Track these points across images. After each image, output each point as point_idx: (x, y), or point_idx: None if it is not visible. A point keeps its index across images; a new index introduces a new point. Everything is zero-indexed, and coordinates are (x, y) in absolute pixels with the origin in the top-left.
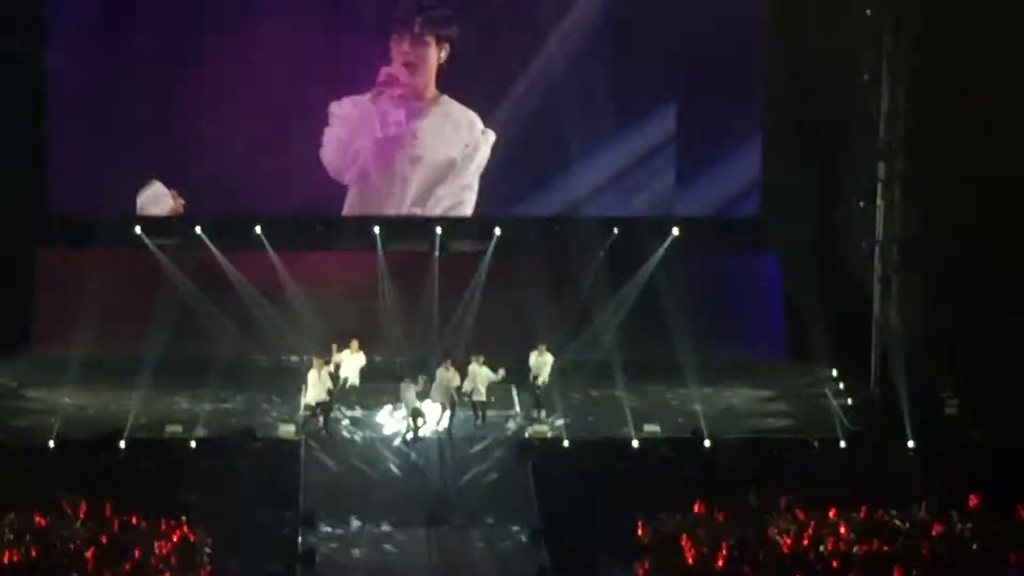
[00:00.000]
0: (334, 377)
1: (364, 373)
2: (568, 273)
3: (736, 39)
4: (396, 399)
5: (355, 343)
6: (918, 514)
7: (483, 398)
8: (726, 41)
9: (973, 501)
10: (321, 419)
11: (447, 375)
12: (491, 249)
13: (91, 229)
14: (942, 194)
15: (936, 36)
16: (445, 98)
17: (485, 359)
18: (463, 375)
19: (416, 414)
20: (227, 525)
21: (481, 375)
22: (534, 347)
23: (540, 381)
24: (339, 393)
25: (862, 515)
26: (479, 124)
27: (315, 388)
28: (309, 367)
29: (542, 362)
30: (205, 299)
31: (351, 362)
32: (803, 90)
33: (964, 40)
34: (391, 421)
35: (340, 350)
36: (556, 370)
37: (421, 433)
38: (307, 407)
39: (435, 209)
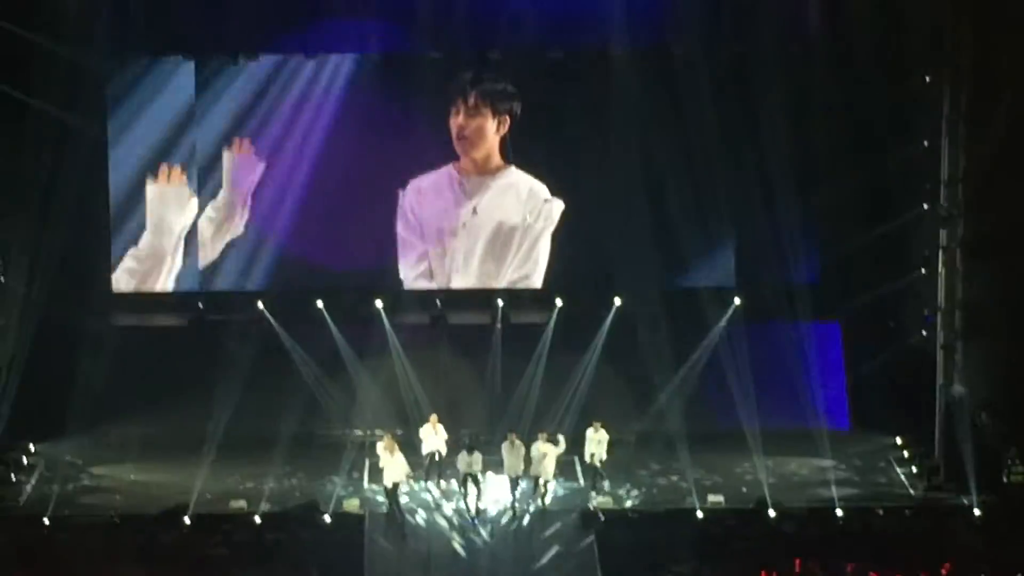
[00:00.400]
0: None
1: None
2: (631, 345)
3: None
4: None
5: (433, 417)
6: None
7: (550, 477)
8: None
9: None
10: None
11: (512, 448)
12: (552, 321)
13: (154, 304)
14: (1003, 260)
15: (994, 100)
16: (511, 169)
17: (549, 434)
18: (527, 447)
19: (468, 482)
20: None
21: (550, 452)
22: (590, 424)
23: (597, 459)
24: (429, 468)
25: None
26: (544, 193)
27: (392, 467)
28: (376, 441)
29: (598, 439)
30: (267, 374)
31: (434, 436)
32: (863, 156)
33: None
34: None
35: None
36: (614, 444)
37: (483, 506)
38: (386, 489)
39: (501, 281)
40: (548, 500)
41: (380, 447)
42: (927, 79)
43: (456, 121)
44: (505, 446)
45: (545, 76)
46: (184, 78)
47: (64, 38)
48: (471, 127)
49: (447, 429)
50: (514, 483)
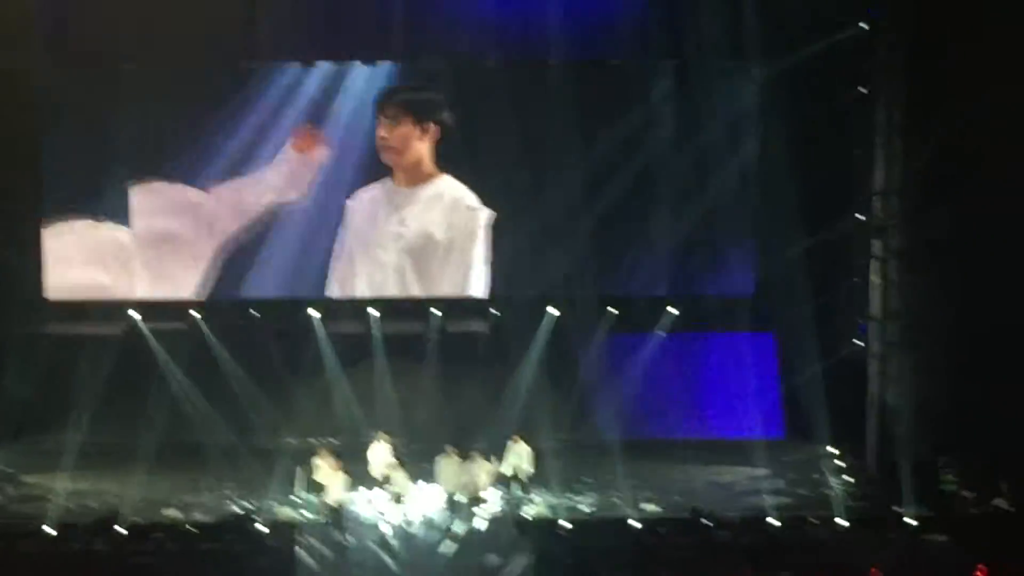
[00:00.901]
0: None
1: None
2: (565, 354)
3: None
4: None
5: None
6: None
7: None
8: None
9: (981, 573)
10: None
11: (450, 462)
12: (487, 331)
13: (85, 313)
14: (936, 270)
15: (929, 111)
16: (444, 178)
17: (482, 451)
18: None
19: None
20: None
21: (485, 468)
22: (511, 436)
23: (523, 474)
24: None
25: None
26: (471, 202)
27: (335, 484)
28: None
29: (517, 452)
30: (198, 384)
31: (381, 454)
32: (797, 167)
33: (958, 113)
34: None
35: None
36: (543, 455)
37: (415, 519)
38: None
39: (438, 290)
40: (480, 514)
41: (317, 462)
42: (861, 89)
43: (379, 132)
44: (442, 460)
45: (480, 84)
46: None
47: None
48: (393, 137)
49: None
50: (450, 498)
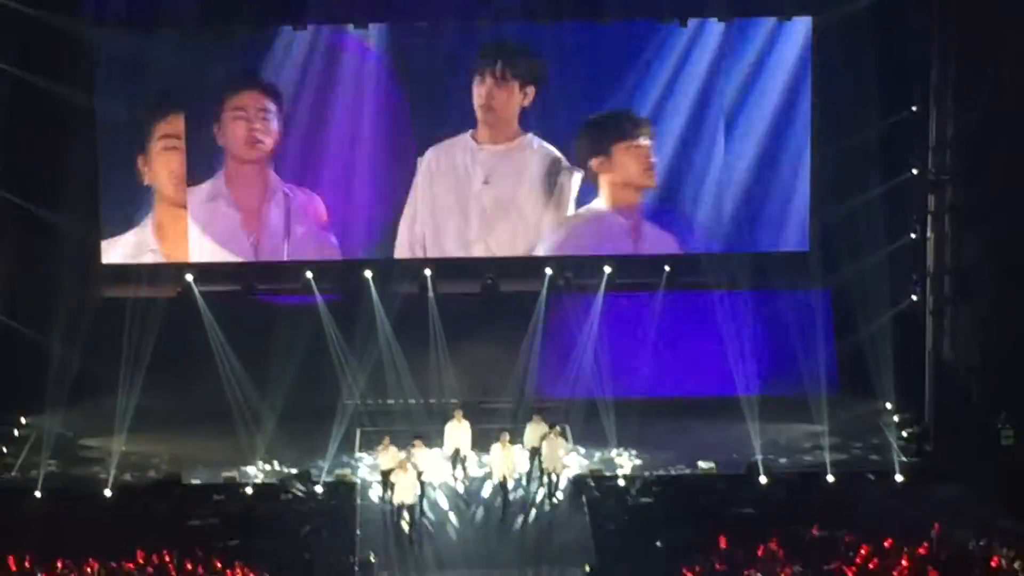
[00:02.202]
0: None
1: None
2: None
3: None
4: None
5: (458, 412)
6: (975, 545)
7: (559, 470)
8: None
9: None
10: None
11: (504, 450)
12: (544, 290)
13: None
14: (991, 225)
15: (983, 67)
16: (529, 137)
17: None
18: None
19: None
20: (285, 570)
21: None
22: (550, 427)
23: (554, 468)
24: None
25: (922, 549)
26: (564, 162)
27: (402, 485)
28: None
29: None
30: (258, 346)
31: (459, 432)
32: (850, 124)
33: (1012, 70)
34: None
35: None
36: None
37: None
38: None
39: (512, 250)
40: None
41: (384, 456)
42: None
43: (480, 91)
44: (496, 448)
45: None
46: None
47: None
48: (499, 97)
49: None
50: (503, 487)
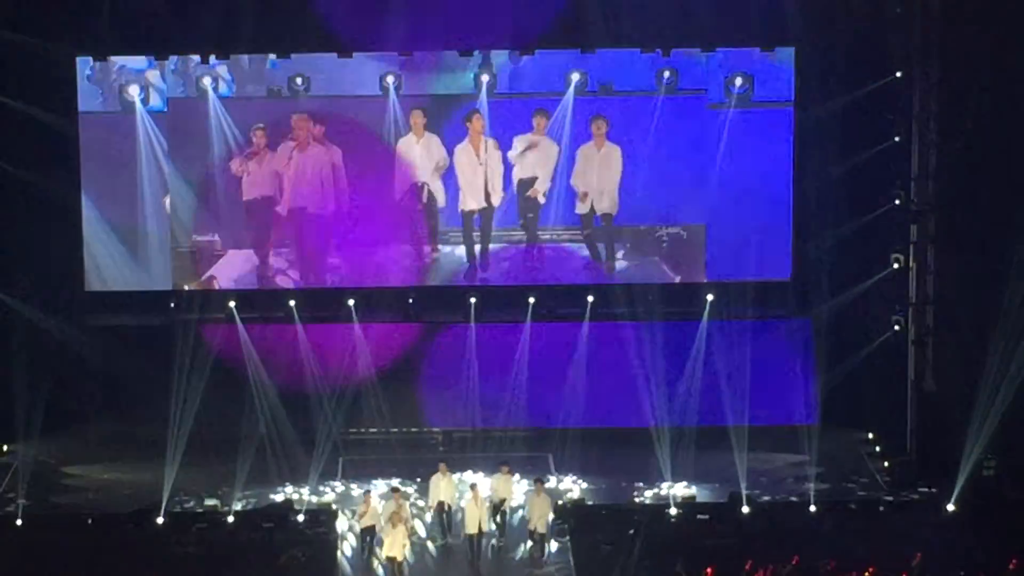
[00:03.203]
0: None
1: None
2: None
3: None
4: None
5: (442, 465)
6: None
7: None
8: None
9: (1013, 564)
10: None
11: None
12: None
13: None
14: (973, 255)
15: (965, 97)
16: None
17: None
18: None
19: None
20: None
21: (540, 503)
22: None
23: (541, 523)
24: (436, 522)
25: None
26: None
27: (393, 540)
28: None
29: (539, 502)
30: (240, 373)
31: (443, 486)
32: (834, 155)
33: (995, 100)
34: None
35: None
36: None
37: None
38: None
39: None
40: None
41: (376, 507)
42: (898, 74)
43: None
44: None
45: None
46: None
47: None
48: None
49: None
50: (475, 540)
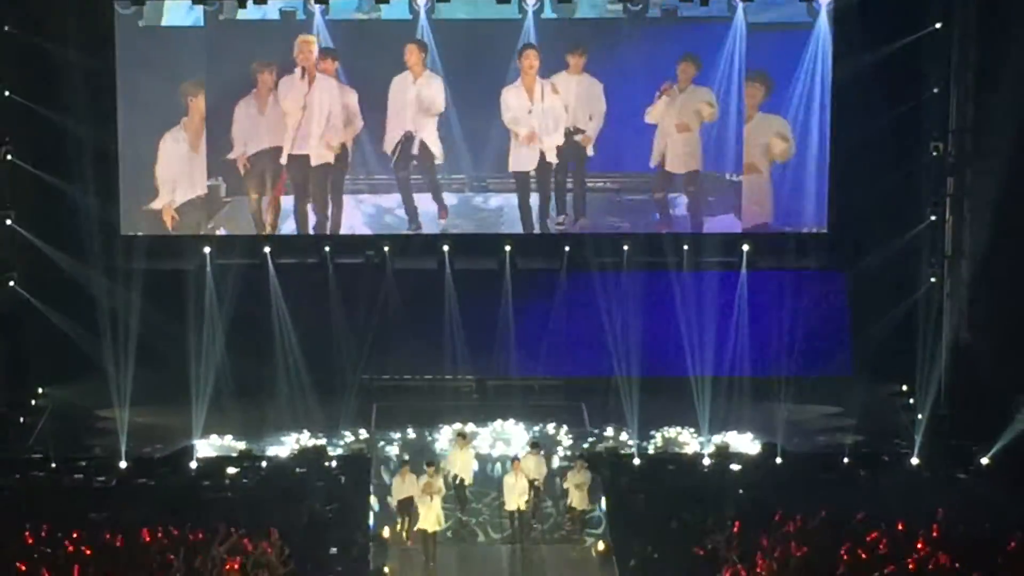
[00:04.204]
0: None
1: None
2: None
3: None
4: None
5: (460, 439)
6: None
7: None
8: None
9: None
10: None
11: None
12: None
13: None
14: (1012, 207)
15: (1004, 49)
16: None
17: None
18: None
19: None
20: (298, 544)
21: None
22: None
23: (578, 504)
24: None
25: (934, 531)
26: None
27: (428, 513)
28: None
29: (576, 483)
30: (265, 315)
31: (460, 458)
32: (872, 104)
33: None
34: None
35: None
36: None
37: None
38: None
39: None
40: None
41: (406, 483)
42: (937, 26)
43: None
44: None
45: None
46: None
47: None
48: None
49: None
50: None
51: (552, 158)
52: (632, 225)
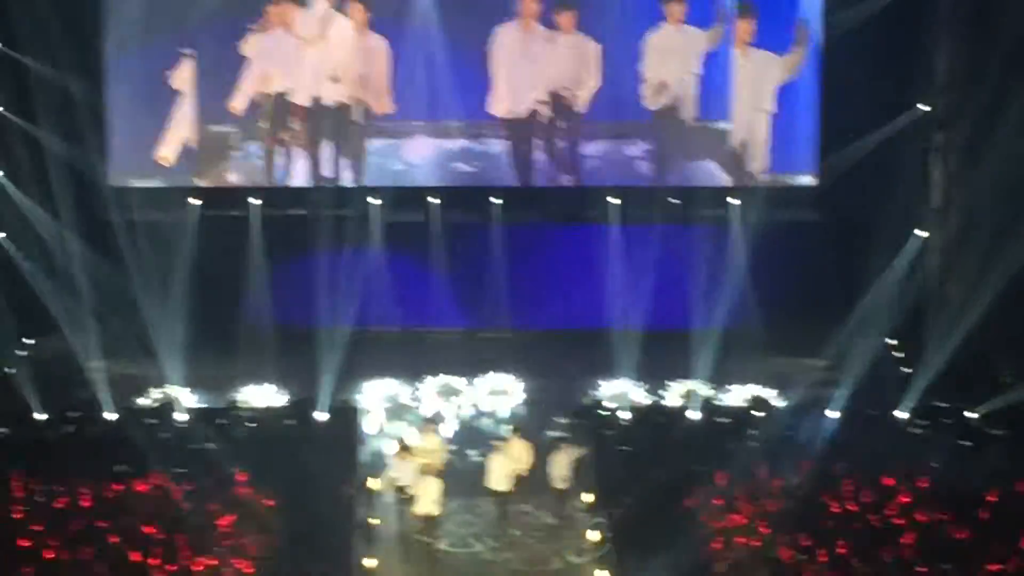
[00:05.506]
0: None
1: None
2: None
3: None
4: None
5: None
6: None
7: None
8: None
9: None
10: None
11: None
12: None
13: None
14: (998, 162)
15: (994, 5)
16: None
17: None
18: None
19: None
20: (289, 493)
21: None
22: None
23: (560, 480)
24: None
25: (921, 484)
26: None
27: (426, 493)
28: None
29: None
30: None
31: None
32: (862, 58)
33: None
34: None
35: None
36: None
37: None
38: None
39: None
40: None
41: (403, 463)
42: None
43: None
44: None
45: None
46: None
47: None
48: None
49: None
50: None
51: (545, 112)
52: (622, 177)
